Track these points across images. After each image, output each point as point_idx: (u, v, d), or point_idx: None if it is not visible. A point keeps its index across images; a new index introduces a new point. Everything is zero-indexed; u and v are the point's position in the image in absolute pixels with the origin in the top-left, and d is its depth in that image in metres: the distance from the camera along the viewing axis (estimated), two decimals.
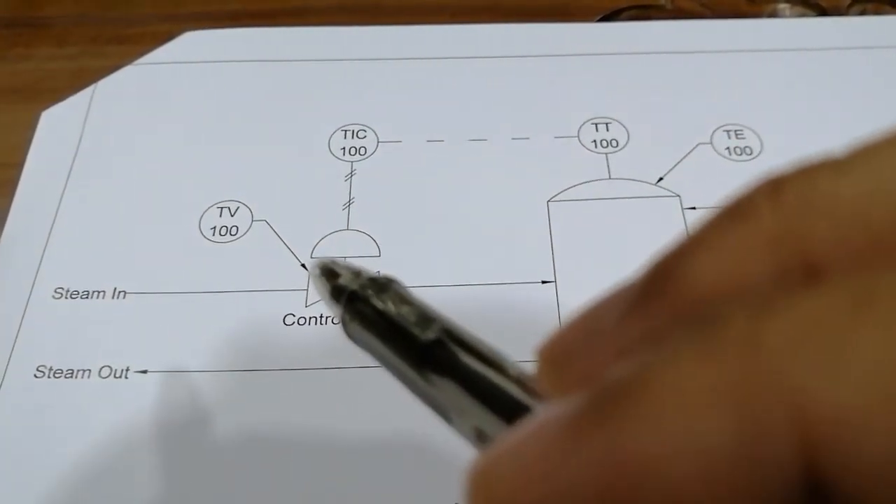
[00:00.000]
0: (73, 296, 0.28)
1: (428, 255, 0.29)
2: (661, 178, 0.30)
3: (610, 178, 0.30)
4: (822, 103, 0.33)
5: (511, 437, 0.09)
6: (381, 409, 0.25)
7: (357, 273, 0.15)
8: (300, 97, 0.33)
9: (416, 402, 0.25)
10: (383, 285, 0.15)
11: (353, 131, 0.32)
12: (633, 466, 0.08)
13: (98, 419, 0.25)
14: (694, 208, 0.29)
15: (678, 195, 0.30)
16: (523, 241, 0.29)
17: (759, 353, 0.08)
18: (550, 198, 0.30)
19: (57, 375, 0.26)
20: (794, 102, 0.33)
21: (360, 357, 0.26)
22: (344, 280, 0.15)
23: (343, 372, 0.26)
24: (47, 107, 0.33)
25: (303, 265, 0.28)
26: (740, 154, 0.31)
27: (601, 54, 0.34)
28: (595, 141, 0.32)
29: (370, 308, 0.14)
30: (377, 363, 0.14)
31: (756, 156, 0.31)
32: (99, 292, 0.28)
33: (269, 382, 0.26)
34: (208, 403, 0.25)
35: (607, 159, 0.31)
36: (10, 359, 0.26)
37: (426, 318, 0.13)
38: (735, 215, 0.10)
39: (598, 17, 0.36)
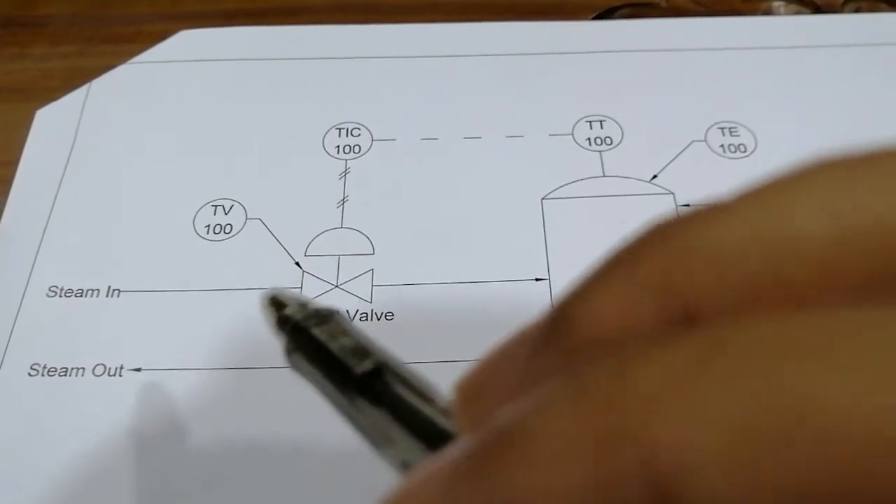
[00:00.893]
0: (68, 294, 0.28)
1: (422, 252, 0.29)
2: (655, 176, 0.30)
3: (604, 176, 0.30)
4: (816, 101, 0.33)
5: (415, 473, 0.10)
6: None
7: (303, 305, 0.16)
8: (295, 95, 0.33)
9: None
10: (325, 317, 0.15)
11: (347, 129, 0.32)
12: None
13: (92, 417, 0.25)
14: (688, 206, 0.29)
15: (672, 193, 0.30)
16: (517, 238, 0.29)
17: (616, 405, 0.08)
18: (544, 195, 0.30)
19: (51, 374, 0.26)
20: (789, 100, 0.33)
21: None
22: (289, 311, 0.16)
23: None
24: (42, 106, 0.33)
25: (297, 263, 0.28)
26: (734, 151, 0.31)
27: (596, 52, 0.34)
28: (589, 138, 0.32)
29: (311, 339, 0.15)
30: (320, 395, 0.15)
31: (750, 153, 0.31)
32: (93, 290, 0.28)
33: (263, 380, 0.26)
34: (203, 401, 0.25)
35: (601, 157, 0.31)
36: (3, 357, 0.26)
37: (363, 350, 0.14)
38: (623, 260, 0.10)
39: (593, 15, 0.36)
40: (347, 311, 0.27)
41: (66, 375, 0.26)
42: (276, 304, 0.16)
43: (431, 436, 0.12)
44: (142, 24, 0.37)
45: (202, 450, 0.25)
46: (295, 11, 0.37)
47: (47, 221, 0.29)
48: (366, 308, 0.27)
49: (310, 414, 0.25)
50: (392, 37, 0.35)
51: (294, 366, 0.15)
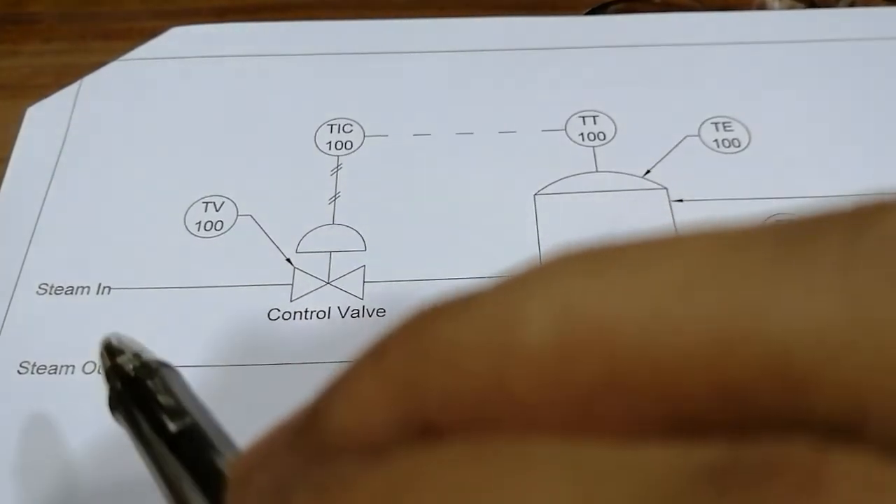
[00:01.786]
0: (58, 291, 0.28)
1: (414, 249, 0.28)
2: (648, 171, 0.30)
3: (597, 171, 0.30)
4: (810, 96, 0.32)
5: None
6: None
7: (136, 354, 0.16)
8: (286, 92, 0.33)
9: None
10: (152, 371, 0.15)
11: (339, 125, 0.32)
12: None
13: (83, 415, 0.25)
14: (681, 201, 0.29)
15: (665, 188, 0.30)
16: (510, 234, 0.29)
17: None
18: (537, 191, 0.30)
19: (41, 371, 0.26)
20: (783, 95, 0.33)
21: (346, 352, 0.26)
22: (122, 360, 0.16)
23: (328, 367, 0.26)
24: (33, 103, 0.33)
25: (288, 260, 0.28)
26: (728, 146, 0.31)
27: (589, 47, 0.34)
28: (582, 134, 0.31)
29: (136, 392, 0.15)
30: (137, 446, 0.15)
31: (744, 148, 0.31)
32: (83, 288, 0.28)
33: (253, 377, 0.26)
34: None
35: (594, 152, 0.31)
36: None
37: (179, 409, 0.14)
38: (373, 357, 0.09)
39: (586, 11, 0.36)
40: (339, 307, 0.27)
41: (55, 373, 0.26)
42: (110, 351, 0.17)
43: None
44: (133, 21, 0.37)
45: None
46: (286, 7, 0.37)
47: (37, 218, 0.29)
48: (357, 305, 0.27)
49: None
50: (384, 32, 0.35)
51: (114, 416, 0.15)
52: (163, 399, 0.14)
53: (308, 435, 0.10)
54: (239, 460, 0.11)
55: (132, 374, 0.15)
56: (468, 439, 0.08)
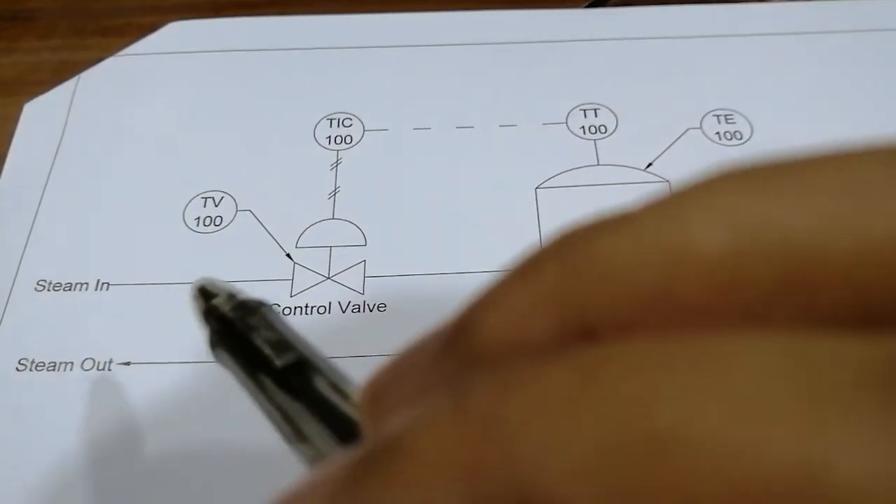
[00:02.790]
0: (56, 288, 0.27)
1: (415, 243, 0.28)
2: (650, 164, 0.30)
3: (598, 165, 0.30)
4: (812, 87, 0.32)
5: (298, 484, 0.10)
6: None
7: (231, 295, 0.16)
8: (285, 86, 0.33)
9: None
10: (251, 309, 0.15)
11: (338, 120, 0.32)
12: None
13: (81, 412, 0.25)
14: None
15: (667, 181, 0.30)
16: (511, 228, 0.28)
17: (492, 426, 0.08)
18: (538, 185, 0.30)
19: (39, 368, 0.26)
20: (785, 86, 0.32)
21: (345, 347, 0.26)
22: (216, 301, 0.16)
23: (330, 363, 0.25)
24: (31, 99, 0.33)
25: (288, 255, 0.28)
26: (730, 139, 0.31)
27: (590, 40, 0.34)
28: (583, 127, 0.31)
29: (234, 331, 0.15)
30: (240, 386, 0.15)
31: (746, 140, 0.31)
32: (82, 284, 0.27)
33: None
34: (192, 395, 0.25)
35: (596, 145, 0.31)
36: None
37: (285, 343, 0.14)
38: (524, 272, 0.10)
39: (587, 3, 0.36)
40: (339, 302, 0.27)
41: (54, 370, 0.26)
42: (205, 294, 0.16)
43: (345, 432, 0.12)
44: (131, 17, 0.37)
45: (193, 444, 0.24)
46: (284, 2, 0.37)
47: (35, 214, 0.29)
48: (358, 300, 0.27)
49: None
50: (383, 26, 0.34)
51: (217, 357, 0.15)
52: (266, 335, 0.14)
53: (455, 347, 0.10)
54: (371, 380, 0.11)
55: (230, 314, 0.15)
56: (653, 335, 0.08)
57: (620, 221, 0.09)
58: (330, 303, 0.27)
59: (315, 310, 0.27)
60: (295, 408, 0.13)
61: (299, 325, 0.26)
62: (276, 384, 0.13)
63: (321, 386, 0.13)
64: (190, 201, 0.29)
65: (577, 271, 0.09)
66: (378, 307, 0.27)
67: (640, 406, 0.07)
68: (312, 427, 0.12)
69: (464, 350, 0.10)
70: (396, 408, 0.10)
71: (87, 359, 0.26)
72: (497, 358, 0.09)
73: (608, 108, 0.32)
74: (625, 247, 0.09)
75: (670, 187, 0.29)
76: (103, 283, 0.27)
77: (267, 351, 0.14)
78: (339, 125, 0.32)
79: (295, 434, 0.13)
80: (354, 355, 0.25)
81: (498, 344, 0.09)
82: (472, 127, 0.31)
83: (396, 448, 0.08)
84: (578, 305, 0.09)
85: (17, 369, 0.26)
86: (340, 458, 0.09)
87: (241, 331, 0.15)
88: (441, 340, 0.10)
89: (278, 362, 0.13)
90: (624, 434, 0.07)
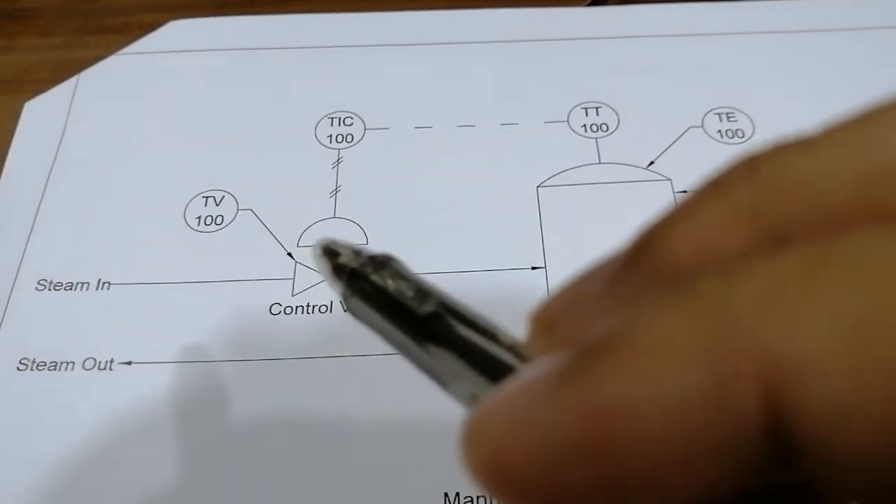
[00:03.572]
0: (57, 287, 0.27)
1: (416, 242, 0.28)
2: (651, 162, 0.30)
3: (600, 163, 0.30)
4: (814, 85, 0.32)
5: (501, 391, 0.10)
6: (368, 397, 0.25)
7: (357, 252, 0.16)
8: (286, 85, 0.33)
9: (404, 390, 0.25)
10: (382, 262, 0.15)
11: (339, 119, 0.32)
12: (611, 412, 0.08)
13: (82, 411, 0.25)
14: (685, 192, 0.29)
15: (669, 179, 0.29)
16: (513, 227, 0.28)
17: (727, 310, 0.08)
18: (540, 183, 0.30)
19: (40, 368, 0.26)
20: (786, 84, 0.32)
21: (347, 346, 0.26)
22: (344, 259, 0.16)
23: (330, 361, 0.25)
24: (30, 98, 0.33)
25: (289, 254, 0.28)
26: (732, 137, 0.31)
27: (591, 38, 0.34)
28: (585, 125, 0.31)
29: (370, 285, 0.15)
30: (379, 338, 0.15)
31: (748, 138, 0.31)
32: (83, 283, 0.27)
33: (255, 372, 0.25)
34: (193, 395, 0.25)
35: (597, 144, 0.31)
36: None
37: (423, 292, 0.14)
38: (712, 190, 0.10)
39: (588, 1, 0.36)
40: (341, 302, 0.27)
41: (55, 369, 0.26)
42: (330, 252, 0.16)
43: (499, 372, 0.12)
44: (131, 15, 0.37)
45: (195, 443, 0.24)
46: (285, 0, 0.36)
47: (36, 214, 0.29)
48: None
49: (302, 405, 0.25)
50: (385, 24, 0.34)
51: (353, 312, 0.15)
52: (402, 285, 0.14)
53: (640, 265, 0.10)
54: (540, 311, 0.12)
55: (361, 269, 0.15)
56: (872, 229, 0.08)
57: (805, 142, 0.10)
58: (331, 302, 0.27)
59: (317, 309, 0.27)
60: (443, 354, 0.13)
61: (300, 324, 0.26)
62: (420, 333, 0.13)
63: (465, 331, 0.13)
64: (191, 200, 0.29)
65: (769, 185, 0.10)
66: None
67: (885, 282, 0.08)
68: (463, 371, 0.12)
69: (652, 268, 0.10)
70: (576, 330, 0.11)
71: (88, 358, 0.26)
72: (691, 269, 0.10)
73: (609, 107, 0.32)
74: (818, 161, 0.09)
75: (672, 186, 0.29)
76: (104, 283, 0.27)
77: (407, 301, 0.14)
78: (340, 124, 0.31)
79: (446, 379, 0.13)
80: (356, 354, 0.26)
81: (691, 258, 0.10)
82: (474, 125, 0.31)
83: (623, 337, 0.09)
84: (773, 217, 0.09)
85: (18, 369, 0.26)
86: (540, 365, 0.09)
87: (376, 284, 0.15)
88: (618, 264, 0.11)
89: (420, 311, 0.13)
90: (873, 306, 0.08)
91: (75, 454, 0.24)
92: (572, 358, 0.09)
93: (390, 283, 0.14)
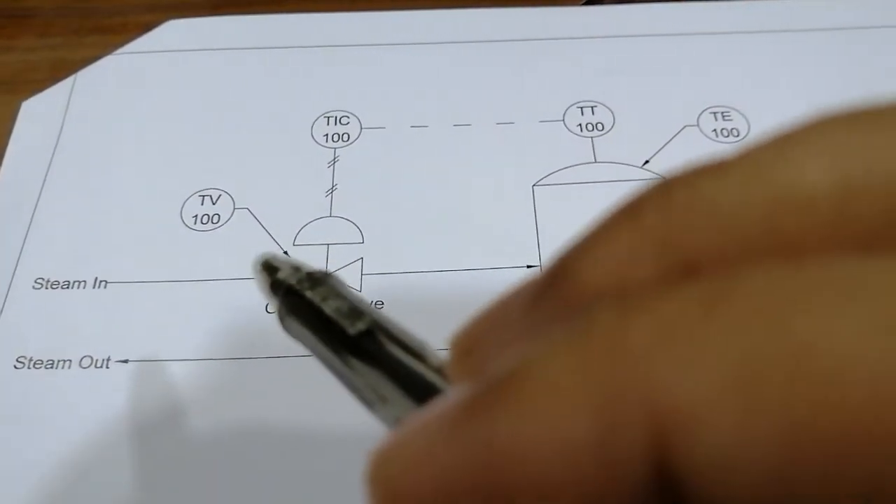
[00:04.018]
0: (54, 286, 0.27)
1: (412, 241, 0.28)
2: (647, 161, 0.30)
3: (596, 162, 0.30)
4: (809, 84, 0.32)
5: (405, 425, 0.10)
6: None
7: (296, 268, 0.16)
8: (282, 84, 0.33)
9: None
10: (319, 280, 0.15)
11: (336, 118, 0.32)
12: (503, 455, 0.08)
13: (79, 410, 0.25)
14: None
15: (665, 178, 0.29)
16: (508, 225, 0.29)
17: (619, 349, 0.08)
18: (536, 182, 0.30)
19: (37, 366, 0.26)
20: (782, 83, 0.32)
21: None
22: (282, 275, 0.16)
23: None
24: (28, 97, 0.33)
25: (285, 253, 0.28)
26: (727, 136, 0.31)
27: (587, 38, 0.34)
28: (580, 124, 0.31)
29: (304, 302, 0.15)
30: (312, 356, 0.15)
31: (743, 137, 0.31)
32: (80, 282, 0.27)
33: (251, 371, 0.25)
34: (190, 393, 0.25)
35: (593, 143, 0.31)
36: None
37: (357, 311, 0.14)
38: (625, 216, 0.10)
39: (584, 1, 0.36)
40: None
41: (52, 368, 0.26)
42: (269, 268, 0.16)
43: (424, 393, 0.12)
44: (128, 15, 0.37)
45: (191, 442, 0.24)
46: (282, 0, 0.37)
47: (33, 213, 0.29)
48: None
49: (299, 404, 0.25)
50: (380, 24, 0.34)
51: (287, 329, 0.15)
52: (336, 304, 0.14)
53: (552, 295, 0.10)
54: (459, 335, 0.12)
55: (297, 286, 0.15)
56: (774, 263, 0.08)
57: (719, 167, 0.09)
58: None
59: None
60: (371, 374, 0.13)
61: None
62: (350, 352, 0.13)
63: (396, 351, 0.13)
64: (187, 199, 0.29)
65: (680, 213, 0.09)
66: (375, 305, 0.27)
67: (775, 324, 0.07)
68: (390, 391, 0.13)
69: (561, 297, 0.10)
70: (490, 359, 0.11)
71: (84, 356, 0.26)
72: (599, 297, 0.09)
73: (605, 106, 0.32)
74: (729, 187, 0.09)
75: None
76: (101, 281, 0.27)
77: (339, 319, 0.14)
78: (336, 123, 0.32)
79: (372, 399, 0.13)
80: None
81: (598, 288, 0.10)
82: (470, 125, 0.31)
83: (513, 379, 0.09)
84: (682, 246, 0.09)
85: (15, 367, 0.26)
86: (446, 398, 0.09)
87: (310, 301, 0.15)
88: (534, 291, 0.11)
89: (351, 330, 0.13)
90: (762, 351, 0.07)
91: (72, 453, 0.24)
92: (475, 392, 0.09)
93: (324, 301, 0.14)
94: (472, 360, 0.11)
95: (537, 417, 0.08)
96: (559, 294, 0.10)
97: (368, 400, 0.13)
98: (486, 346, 0.11)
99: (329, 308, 0.14)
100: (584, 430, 0.08)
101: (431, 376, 0.12)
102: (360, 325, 0.14)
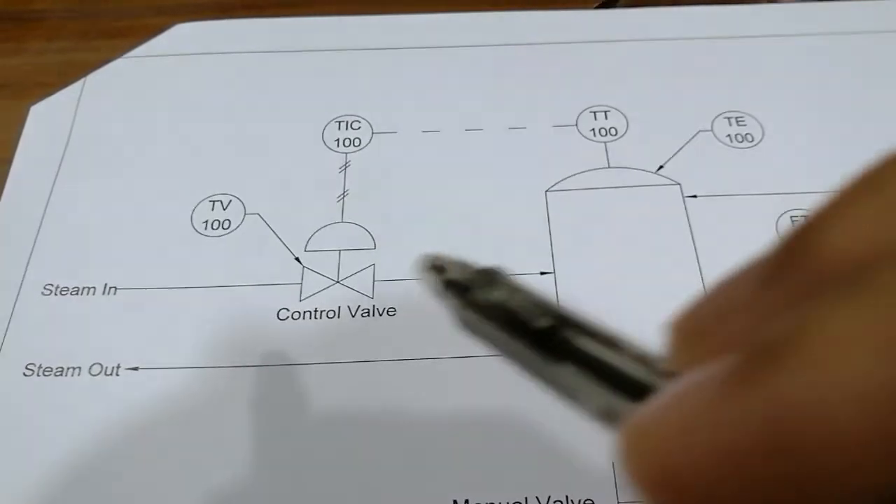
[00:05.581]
0: (63, 292, 0.27)
1: (424, 247, 0.28)
2: (661, 167, 0.30)
3: (609, 167, 0.30)
4: (823, 89, 0.32)
5: (662, 398, 0.09)
6: (376, 403, 0.24)
7: (464, 266, 0.16)
8: (293, 88, 0.33)
9: (412, 396, 0.24)
10: (490, 276, 0.15)
11: (347, 122, 0.31)
12: (795, 415, 0.08)
13: (89, 418, 0.25)
14: (695, 196, 0.29)
15: (679, 183, 0.29)
16: (521, 232, 0.28)
17: None
18: (548, 187, 0.29)
19: (46, 374, 0.25)
20: (796, 88, 0.32)
21: (354, 352, 0.25)
22: (452, 274, 0.16)
23: (338, 367, 0.25)
24: (37, 101, 0.33)
25: (297, 259, 0.28)
26: (741, 141, 0.31)
27: (600, 41, 0.34)
28: (594, 129, 0.31)
29: (483, 299, 0.14)
30: (495, 352, 0.14)
31: (757, 143, 0.30)
32: (89, 288, 0.27)
33: (262, 378, 0.25)
34: (201, 401, 0.25)
35: (606, 148, 0.30)
36: None
37: (538, 305, 0.14)
38: (866, 188, 0.10)
39: (597, 4, 0.35)
40: (349, 307, 0.27)
41: (61, 375, 0.25)
42: (436, 268, 0.16)
43: (626, 384, 0.12)
44: (137, 18, 0.37)
45: (200, 450, 0.24)
46: (292, 3, 0.36)
47: (42, 218, 0.29)
48: (367, 304, 0.27)
49: (309, 411, 0.25)
50: (391, 27, 0.34)
51: (467, 328, 0.15)
52: (516, 299, 0.14)
53: (797, 267, 0.10)
54: (683, 317, 0.12)
55: (470, 285, 0.15)
56: None
57: None
58: (339, 307, 0.27)
59: (324, 314, 0.26)
60: (565, 370, 0.13)
61: (308, 330, 0.26)
62: (540, 347, 0.13)
63: (589, 343, 0.12)
64: (198, 204, 0.29)
65: None
66: (388, 312, 0.26)
67: None
68: (588, 384, 0.12)
69: (808, 269, 0.10)
70: (727, 339, 0.11)
71: (94, 364, 0.26)
72: (850, 273, 0.09)
73: (618, 111, 0.31)
74: None
75: (682, 190, 0.29)
76: (111, 288, 0.27)
77: (523, 315, 0.13)
78: (347, 128, 0.31)
79: (572, 392, 0.13)
80: (364, 360, 0.25)
81: (851, 254, 0.09)
82: (482, 129, 0.31)
83: (798, 339, 0.09)
84: None
85: (25, 374, 0.25)
86: (705, 370, 0.09)
87: (490, 299, 0.14)
88: (765, 270, 0.10)
89: (539, 324, 0.13)
90: None
91: (81, 461, 0.24)
92: (743, 362, 0.09)
93: (504, 297, 0.14)
94: (708, 342, 0.11)
95: (829, 372, 0.08)
96: (804, 267, 0.10)
97: (569, 393, 0.13)
98: (718, 330, 0.11)
99: (512, 304, 0.14)
100: (883, 379, 0.08)
101: (633, 366, 0.12)
102: (547, 320, 0.13)
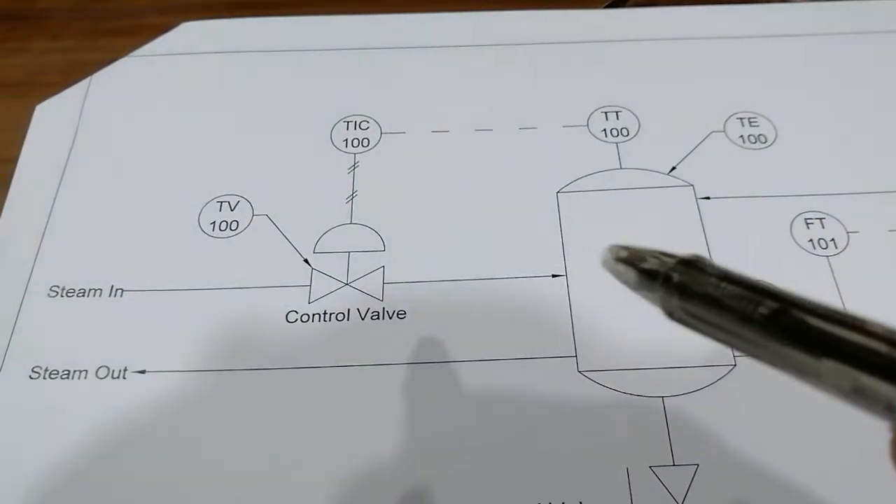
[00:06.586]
0: (69, 294, 0.27)
1: (433, 249, 0.28)
2: (673, 168, 0.29)
3: (621, 168, 0.30)
4: (836, 89, 0.32)
5: None
6: (385, 406, 0.24)
7: (660, 254, 0.15)
8: (301, 88, 0.32)
9: (422, 398, 0.24)
10: (696, 264, 0.14)
11: (355, 122, 0.31)
12: None
13: (95, 421, 0.24)
14: (708, 198, 0.28)
15: (692, 184, 0.29)
16: (532, 233, 0.28)
17: None
18: (560, 189, 0.29)
19: (53, 376, 0.25)
20: (809, 89, 0.32)
21: (364, 354, 0.25)
22: (651, 264, 0.15)
23: (346, 370, 0.25)
24: (42, 100, 0.32)
25: (305, 260, 0.27)
26: (755, 142, 0.30)
27: (610, 41, 0.33)
28: (605, 130, 0.31)
29: (694, 290, 0.14)
30: (712, 339, 0.14)
31: (770, 143, 0.30)
32: (95, 290, 0.27)
33: (270, 381, 0.25)
34: (208, 404, 0.25)
35: (618, 148, 0.30)
36: (4, 359, 0.26)
37: (758, 289, 0.13)
38: None
39: (607, 4, 0.35)
40: (358, 309, 0.26)
41: (68, 378, 0.25)
42: (630, 260, 0.15)
43: (874, 362, 0.11)
44: (143, 17, 0.36)
45: (208, 453, 0.24)
46: (298, 2, 0.36)
47: (48, 219, 0.29)
48: (377, 306, 0.26)
49: (318, 414, 0.24)
50: (400, 27, 0.34)
51: (684, 317, 0.14)
52: (729, 286, 0.13)
53: None
54: None
55: (675, 274, 0.14)
56: None
57: None
58: (349, 309, 0.26)
59: (333, 316, 0.26)
60: (800, 356, 0.12)
61: (317, 332, 0.26)
62: (769, 334, 0.12)
63: (824, 324, 0.12)
64: (205, 205, 0.29)
65: None
66: (398, 314, 0.26)
67: None
68: (834, 367, 0.11)
69: None
70: None
71: (101, 366, 0.25)
72: None
73: (630, 111, 0.31)
74: None
75: (695, 191, 0.29)
76: (117, 289, 0.27)
77: (742, 303, 0.13)
78: (355, 128, 0.31)
79: (812, 375, 0.12)
80: (374, 363, 0.25)
81: None
82: (491, 130, 0.31)
83: None
84: None
85: (31, 377, 0.25)
86: None
87: (701, 288, 0.14)
88: None
89: (764, 310, 0.12)
90: None
91: (87, 463, 0.24)
92: None
93: (721, 285, 0.13)
94: None
95: None
96: None
97: (809, 375, 0.12)
98: None
99: (728, 291, 0.13)
100: None
101: (877, 344, 0.11)
102: (771, 304, 0.12)
